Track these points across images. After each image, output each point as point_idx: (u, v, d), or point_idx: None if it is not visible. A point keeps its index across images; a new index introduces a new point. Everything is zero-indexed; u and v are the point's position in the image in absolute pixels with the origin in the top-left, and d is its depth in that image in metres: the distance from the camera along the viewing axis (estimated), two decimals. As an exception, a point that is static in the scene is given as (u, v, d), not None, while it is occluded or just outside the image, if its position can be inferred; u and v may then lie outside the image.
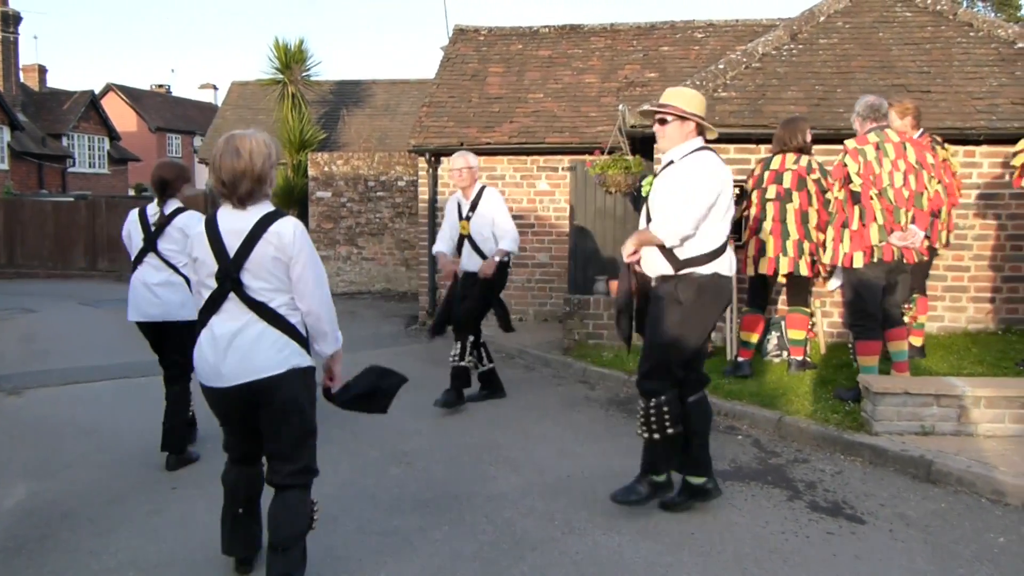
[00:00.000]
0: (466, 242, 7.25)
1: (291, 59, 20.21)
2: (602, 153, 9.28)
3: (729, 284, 4.77)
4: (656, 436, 4.65)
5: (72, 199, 23.33)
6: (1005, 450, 5.57)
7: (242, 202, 3.57)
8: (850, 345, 6.93)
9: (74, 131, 33.86)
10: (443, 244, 7.45)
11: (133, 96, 44.04)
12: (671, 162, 4.76)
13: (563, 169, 11.65)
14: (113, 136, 36.80)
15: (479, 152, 11.85)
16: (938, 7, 10.05)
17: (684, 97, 4.74)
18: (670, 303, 4.61)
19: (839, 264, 6.46)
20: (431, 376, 8.80)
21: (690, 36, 13.78)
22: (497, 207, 7.18)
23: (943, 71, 9.14)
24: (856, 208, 6.28)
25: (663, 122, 4.78)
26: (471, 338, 7.38)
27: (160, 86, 50.43)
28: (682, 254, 4.59)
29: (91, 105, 35.11)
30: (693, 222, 4.51)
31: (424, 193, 12.30)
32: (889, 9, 10.22)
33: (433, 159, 12.17)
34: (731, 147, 8.93)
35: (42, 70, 36.80)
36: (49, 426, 6.82)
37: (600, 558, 4.29)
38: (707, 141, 4.85)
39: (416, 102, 20.31)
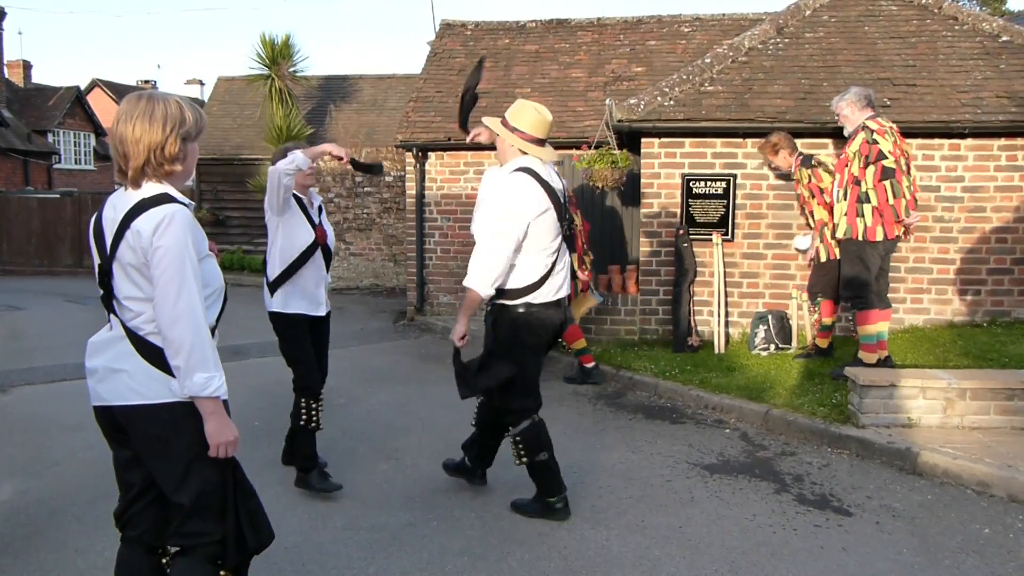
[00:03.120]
0: None
1: (278, 54, 20.14)
2: (589, 148, 9.28)
3: (548, 313, 4.58)
4: (517, 463, 4.72)
5: (58, 196, 23.18)
6: (991, 442, 5.61)
7: (134, 183, 2.78)
8: (849, 320, 6.99)
9: (60, 127, 33.66)
10: None
11: (119, 92, 43.66)
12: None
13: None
14: (99, 132, 36.57)
15: (467, 147, 11.86)
16: (923, 1, 10.08)
17: (514, 111, 4.59)
18: (491, 339, 4.65)
19: (858, 237, 6.65)
20: (420, 371, 8.81)
21: (677, 30, 13.78)
22: None
23: (928, 65, 9.17)
24: (888, 184, 6.54)
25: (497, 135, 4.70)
26: None
27: (146, 82, 50.07)
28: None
29: (77, 101, 34.90)
30: (497, 271, 4.39)
31: (411, 188, 12.28)
32: (875, 3, 10.24)
33: (420, 154, 12.14)
34: (717, 141, 8.96)
35: (27, 66, 36.57)
36: (35, 424, 6.79)
37: (588, 552, 4.31)
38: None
39: (403, 97, 20.25)
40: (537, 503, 4.76)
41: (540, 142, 4.52)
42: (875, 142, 6.54)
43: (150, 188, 2.78)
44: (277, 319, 5.15)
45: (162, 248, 2.66)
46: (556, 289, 4.59)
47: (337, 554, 4.28)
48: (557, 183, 4.59)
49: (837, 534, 4.52)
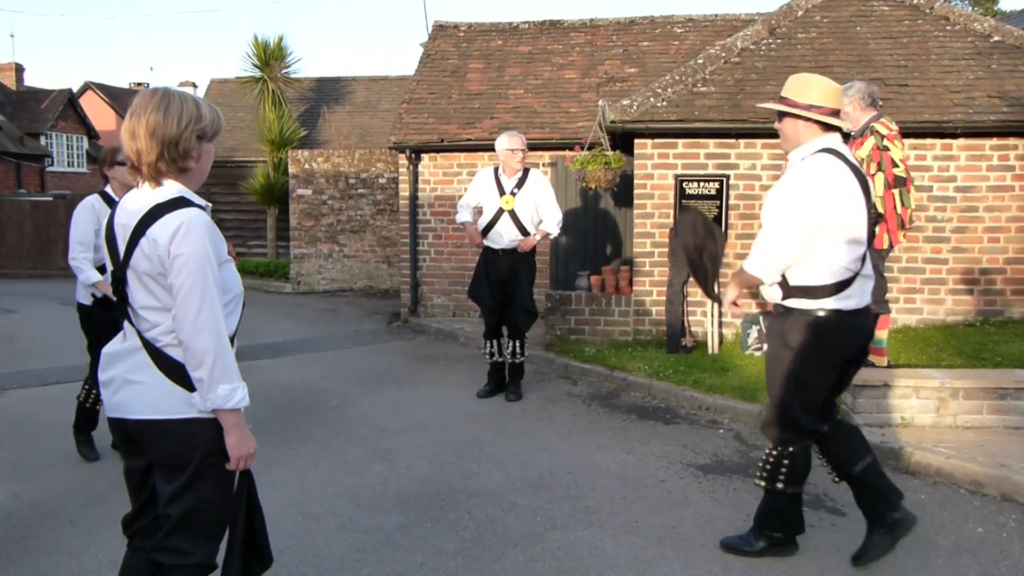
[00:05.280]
0: (506, 218, 7.24)
1: (270, 56, 20.17)
2: (582, 149, 9.29)
3: (857, 321, 3.96)
4: (764, 485, 4.12)
5: (51, 198, 23.14)
6: (983, 441, 5.62)
7: (152, 179, 2.70)
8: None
9: (52, 130, 33.53)
10: (467, 214, 7.48)
11: (112, 95, 43.62)
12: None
13: (543, 165, 11.66)
14: (92, 135, 36.48)
15: (460, 148, 11.88)
16: (915, 1, 10.11)
17: (798, 85, 4.01)
18: (781, 348, 3.99)
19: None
20: (414, 373, 8.80)
21: (670, 31, 13.80)
22: (546, 190, 7.36)
23: (920, 65, 9.20)
24: (897, 192, 6.42)
25: (780, 118, 4.07)
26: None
27: (139, 84, 49.95)
28: (793, 279, 3.90)
29: (69, 104, 34.78)
30: (786, 256, 3.81)
31: (405, 190, 12.27)
32: (867, 3, 10.27)
33: (414, 156, 12.13)
34: (710, 142, 8.97)
35: (19, 69, 36.42)
36: (29, 427, 6.78)
37: (582, 553, 4.30)
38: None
39: (396, 99, 20.27)
40: (759, 538, 4.24)
41: (837, 113, 3.94)
42: (886, 148, 6.43)
43: (165, 190, 2.70)
44: (79, 310, 5.83)
45: (182, 257, 2.58)
46: (865, 291, 3.96)
47: (331, 556, 4.28)
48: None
49: (831, 534, 4.52)
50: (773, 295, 4.00)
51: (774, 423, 4.06)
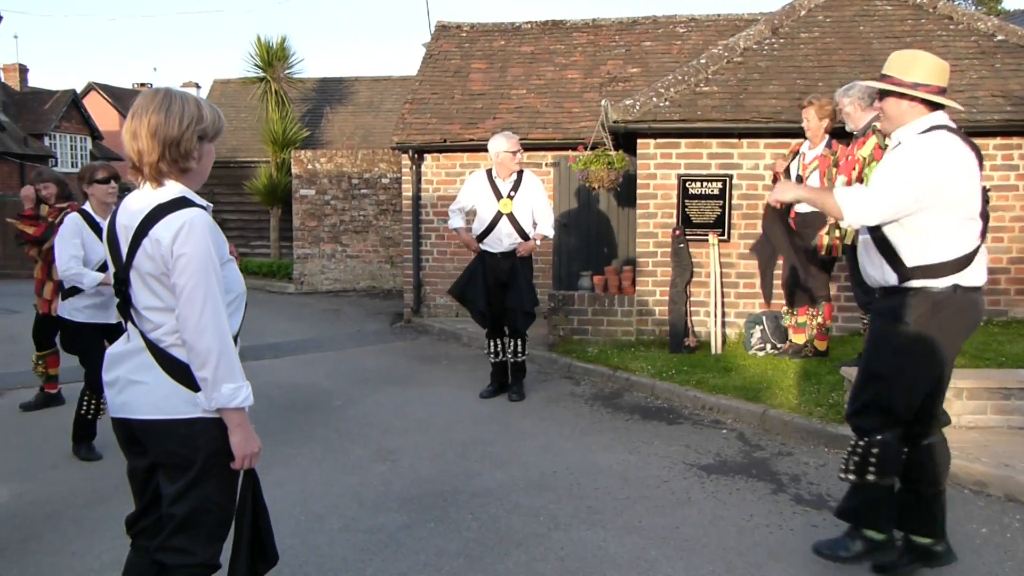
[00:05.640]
0: (505, 221, 7.23)
1: (273, 57, 20.20)
2: (585, 149, 9.28)
3: (977, 298, 3.73)
4: (852, 478, 3.86)
5: (54, 199, 23.14)
6: (987, 441, 5.61)
7: (154, 179, 2.71)
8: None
9: (56, 131, 33.57)
10: (459, 220, 7.47)
11: (115, 95, 43.72)
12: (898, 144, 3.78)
13: (546, 165, 11.66)
14: (95, 135, 36.52)
15: (462, 148, 11.89)
16: (918, 0, 10.10)
17: (902, 63, 3.78)
18: (892, 324, 3.73)
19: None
20: (417, 373, 8.80)
21: (672, 31, 13.79)
22: (541, 192, 7.39)
23: (924, 64, 9.18)
24: None
25: (882, 97, 3.85)
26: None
27: (142, 84, 50.03)
28: (911, 259, 3.66)
29: (73, 104, 34.82)
30: (888, 205, 3.56)
31: (408, 190, 12.28)
32: (870, 3, 10.26)
33: (416, 156, 12.14)
34: (713, 142, 8.97)
35: (23, 69, 36.49)
36: (32, 427, 6.79)
37: (585, 553, 4.30)
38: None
39: (399, 99, 20.27)
40: (856, 539, 3.99)
41: (944, 92, 3.71)
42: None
43: (167, 191, 2.70)
44: (66, 326, 6.03)
45: (185, 257, 2.58)
46: (983, 266, 3.70)
47: (333, 556, 4.28)
48: None
49: (834, 534, 4.50)
50: (888, 278, 3.73)
51: (865, 410, 3.81)
